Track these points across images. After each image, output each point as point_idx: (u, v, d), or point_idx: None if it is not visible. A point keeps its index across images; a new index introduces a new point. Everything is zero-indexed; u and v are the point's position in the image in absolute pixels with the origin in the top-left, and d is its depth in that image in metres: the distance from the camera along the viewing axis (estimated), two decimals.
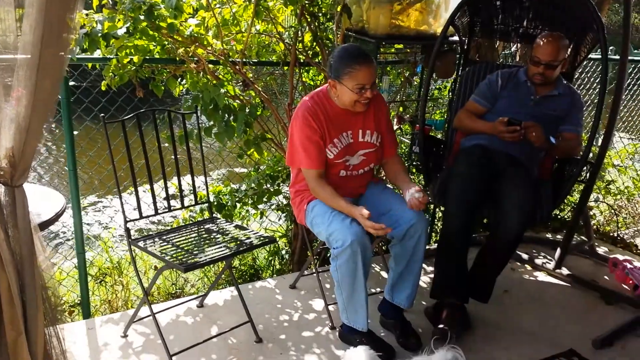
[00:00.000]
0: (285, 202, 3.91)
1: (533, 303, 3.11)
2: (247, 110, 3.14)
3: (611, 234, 3.97)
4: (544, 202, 2.94)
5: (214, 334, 2.62)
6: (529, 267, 3.54)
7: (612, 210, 4.11)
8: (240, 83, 3.33)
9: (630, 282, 3.22)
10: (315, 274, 2.98)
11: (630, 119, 5.40)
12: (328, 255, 2.79)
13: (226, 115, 3.13)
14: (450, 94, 3.57)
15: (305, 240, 3.26)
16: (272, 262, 3.83)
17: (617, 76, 3.23)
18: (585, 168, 3.06)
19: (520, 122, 2.80)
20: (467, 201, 2.72)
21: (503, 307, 3.01)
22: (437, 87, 4.30)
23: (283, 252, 3.84)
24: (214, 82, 3.07)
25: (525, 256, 3.60)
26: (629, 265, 3.27)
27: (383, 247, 3.38)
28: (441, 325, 2.63)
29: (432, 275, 2.75)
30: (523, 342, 2.72)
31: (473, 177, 2.79)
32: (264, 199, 3.74)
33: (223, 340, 2.63)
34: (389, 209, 2.56)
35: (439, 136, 3.86)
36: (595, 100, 4.22)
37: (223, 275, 3.33)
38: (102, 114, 2.51)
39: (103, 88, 3.09)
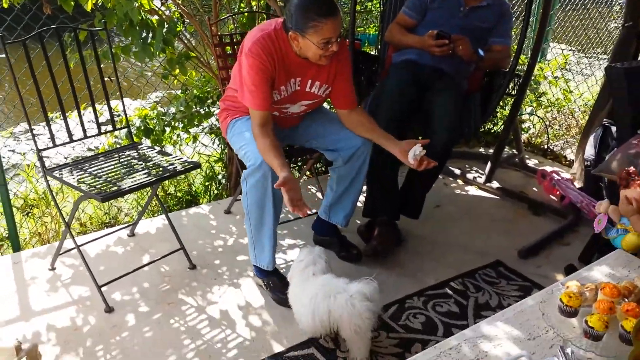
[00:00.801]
0: (218, 125, 3.79)
1: (463, 217, 3.19)
2: (166, 27, 2.94)
3: (542, 146, 4.07)
4: (473, 115, 2.95)
5: (146, 263, 2.56)
6: (460, 182, 3.60)
7: (544, 123, 4.19)
8: None
9: (557, 192, 3.33)
10: None
11: (564, 29, 5.43)
12: None
13: (144, 32, 2.92)
14: (381, 5, 3.45)
15: (235, 161, 3.19)
16: (209, 188, 3.75)
17: None
18: (514, 80, 3.07)
19: (449, 35, 2.76)
20: (396, 118, 2.70)
21: (434, 222, 3.08)
22: None
23: (220, 176, 3.75)
24: None
25: (457, 171, 3.65)
26: (556, 177, 3.36)
27: (318, 169, 3.36)
28: (374, 242, 2.67)
29: (364, 195, 2.75)
30: (452, 254, 2.80)
31: (402, 92, 2.78)
32: (195, 123, 3.61)
33: (155, 268, 2.58)
34: (330, 131, 2.50)
35: (373, 52, 3.77)
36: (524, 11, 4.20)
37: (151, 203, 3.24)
38: (2, 34, 2.28)
39: (5, 5, 2.81)
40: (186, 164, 2.48)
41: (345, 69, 2.39)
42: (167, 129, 3.58)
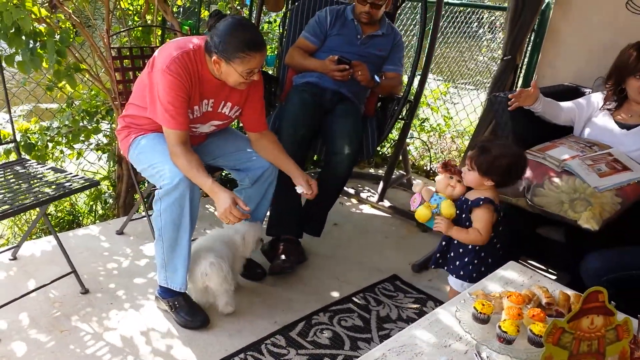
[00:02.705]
0: (106, 141, 3.60)
1: (360, 234, 3.30)
2: (58, 37, 2.76)
3: (424, 168, 4.34)
4: (371, 137, 3.10)
5: (33, 288, 2.35)
6: (355, 201, 3.73)
7: (426, 146, 4.48)
8: (47, 4, 2.90)
9: None
10: (145, 218, 2.82)
11: (439, 61, 5.87)
12: None
13: (31, 41, 2.72)
14: (280, 28, 3.51)
15: (133, 181, 3.05)
16: (94, 208, 3.54)
17: (433, 17, 3.42)
18: (406, 106, 3.28)
19: (350, 61, 2.89)
20: (299, 139, 2.77)
21: (333, 240, 3.15)
22: (268, 20, 4.21)
23: (106, 195, 3.55)
24: (15, 1, 2.63)
25: (351, 191, 3.79)
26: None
27: None
28: (279, 260, 2.67)
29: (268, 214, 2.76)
30: (352, 270, 2.89)
31: (305, 115, 2.85)
32: (81, 138, 3.40)
33: (44, 294, 2.38)
34: (237, 149, 2.49)
35: (270, 72, 3.82)
36: (413, 42, 4.51)
37: (37, 224, 2.99)
38: None
39: None
40: (83, 181, 2.32)
41: (258, 91, 2.41)
42: (50, 145, 3.33)
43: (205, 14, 3.48)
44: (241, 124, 2.59)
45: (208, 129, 2.41)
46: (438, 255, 2.22)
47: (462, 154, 4.35)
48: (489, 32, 6.13)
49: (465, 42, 5.99)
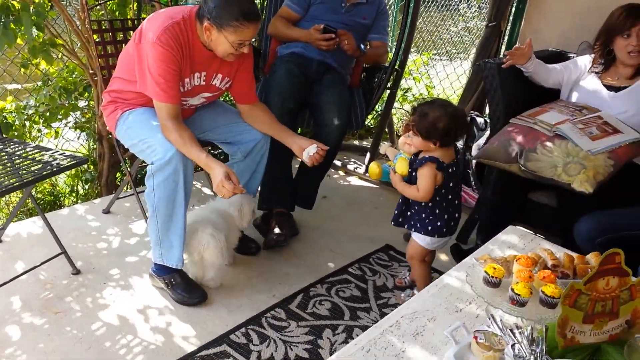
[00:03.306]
0: (84, 119, 3.49)
1: (349, 206, 3.29)
2: (33, 10, 2.64)
3: None
4: (359, 108, 3.07)
5: (22, 271, 2.28)
6: (342, 173, 3.71)
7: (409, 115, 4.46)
8: None
9: None
10: (133, 195, 2.76)
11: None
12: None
13: (3, 16, 2.59)
14: None
15: (117, 159, 2.97)
16: (75, 188, 3.44)
17: None
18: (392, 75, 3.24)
19: (336, 29, 2.83)
20: (287, 112, 2.71)
21: (324, 213, 3.13)
22: None
23: (87, 175, 3.46)
24: None
25: (338, 163, 3.76)
26: None
27: None
28: (273, 234, 2.65)
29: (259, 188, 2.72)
30: (345, 242, 2.88)
31: (292, 86, 2.79)
32: (59, 116, 3.29)
33: (33, 276, 2.31)
34: (227, 122, 2.43)
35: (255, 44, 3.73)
36: (392, 10, 4.46)
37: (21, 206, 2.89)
38: None
39: None
40: (70, 159, 2.24)
41: (248, 63, 2.35)
42: (27, 124, 3.22)
43: None
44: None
45: (198, 101, 2.35)
46: (397, 213, 2.31)
47: None
48: (465, 0, 6.10)
49: (438, 13, 5.95)
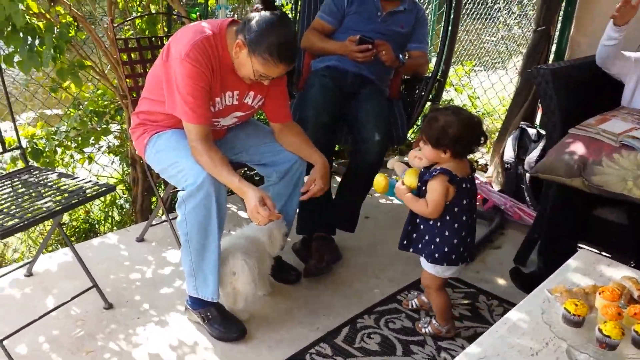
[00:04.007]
0: (117, 142, 3.40)
1: (393, 226, 3.07)
2: (57, 31, 2.56)
3: None
4: (400, 121, 2.88)
5: (52, 307, 2.15)
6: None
7: None
8: None
9: (479, 196, 3.35)
10: (166, 222, 2.63)
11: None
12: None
13: (29, 38, 2.52)
14: (293, 10, 3.29)
15: (150, 184, 2.85)
16: (110, 214, 3.35)
17: None
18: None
19: (373, 40, 2.68)
20: (321, 126, 2.56)
21: (367, 234, 2.95)
22: (281, 3, 3.98)
23: (122, 200, 3.36)
24: None
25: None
26: (476, 181, 3.38)
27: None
28: (313, 260, 2.48)
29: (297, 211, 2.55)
30: (392, 266, 2.68)
31: (328, 101, 2.64)
32: (91, 141, 3.20)
33: (64, 312, 2.19)
34: (261, 142, 2.29)
35: None
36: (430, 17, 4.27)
37: (52, 235, 2.80)
38: None
39: None
40: (97, 187, 2.12)
41: (282, 79, 2.19)
42: (59, 150, 3.14)
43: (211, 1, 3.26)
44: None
45: (230, 121, 2.21)
46: (403, 234, 2.10)
47: (492, 135, 4.12)
48: (505, 7, 5.86)
49: (479, 21, 5.72)
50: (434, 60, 3.21)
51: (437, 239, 1.98)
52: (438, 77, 3.03)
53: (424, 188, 1.95)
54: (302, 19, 3.13)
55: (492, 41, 5.96)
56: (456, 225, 1.96)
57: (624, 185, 2.11)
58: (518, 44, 5.76)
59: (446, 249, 1.97)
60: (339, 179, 2.73)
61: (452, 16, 2.91)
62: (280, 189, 2.32)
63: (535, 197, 3.13)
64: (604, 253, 2.78)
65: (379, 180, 2.06)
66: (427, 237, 2.00)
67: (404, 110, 2.99)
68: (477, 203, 3.32)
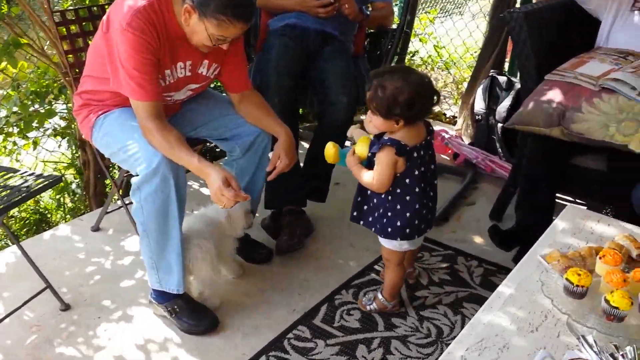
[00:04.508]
0: (64, 123, 3.14)
1: None
2: None
3: None
4: (366, 79, 2.69)
5: (3, 315, 1.96)
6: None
7: None
8: None
9: (450, 151, 3.23)
10: (123, 207, 2.43)
11: None
12: None
13: None
14: None
15: (101, 166, 2.64)
16: (62, 201, 3.11)
17: None
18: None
19: None
20: (286, 92, 2.39)
21: (338, 202, 2.77)
22: None
23: (74, 185, 3.13)
24: None
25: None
26: (446, 135, 3.26)
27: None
28: (285, 236, 2.33)
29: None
30: (366, 234, 2.50)
31: (289, 63, 2.45)
32: (34, 125, 2.94)
33: (17, 319, 1.99)
34: (221, 115, 2.09)
35: None
36: None
37: None
38: None
39: None
40: (42, 179, 1.91)
41: (238, 44, 1.98)
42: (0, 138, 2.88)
43: None
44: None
45: (184, 94, 2.00)
46: (353, 205, 1.94)
47: (459, 85, 3.98)
48: None
49: None
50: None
51: (389, 213, 1.81)
52: (405, 29, 2.85)
53: (374, 159, 1.78)
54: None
55: None
56: (408, 197, 1.79)
57: (606, 132, 1.99)
58: None
59: (399, 223, 1.81)
60: (306, 145, 2.55)
61: None
62: (244, 164, 2.14)
63: (507, 148, 3.02)
64: (578, 201, 2.75)
65: (329, 149, 1.89)
66: (380, 211, 1.84)
67: (370, 66, 2.81)
68: (447, 158, 3.23)
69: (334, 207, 2.70)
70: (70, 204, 3.14)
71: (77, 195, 3.14)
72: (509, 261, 2.35)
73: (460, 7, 5.82)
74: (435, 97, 1.73)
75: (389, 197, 1.80)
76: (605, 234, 1.55)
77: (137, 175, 1.80)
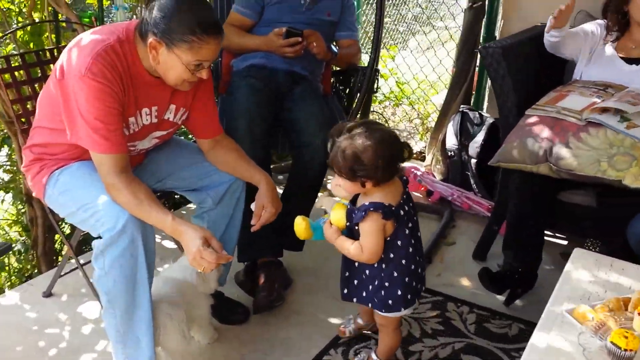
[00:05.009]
0: (7, 177, 2.87)
1: None
2: None
3: None
4: (339, 119, 2.57)
5: None
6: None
7: (383, 118, 4.02)
8: None
9: (423, 188, 3.13)
10: (78, 268, 2.17)
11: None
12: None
13: None
14: None
15: (51, 222, 2.38)
16: (8, 262, 2.82)
17: None
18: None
19: (301, 31, 2.38)
20: (257, 137, 2.22)
21: (316, 249, 2.60)
22: None
23: (19, 245, 2.83)
24: None
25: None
26: (417, 172, 3.16)
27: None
28: (263, 292, 2.13)
29: None
30: None
31: (257, 105, 2.30)
32: None
33: None
34: (190, 163, 1.91)
35: None
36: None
37: None
38: None
39: None
40: None
41: (207, 86, 1.82)
42: None
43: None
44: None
45: (149, 143, 1.82)
46: (341, 281, 1.78)
47: (424, 120, 3.92)
48: None
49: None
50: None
51: (387, 283, 1.65)
52: (374, 67, 2.76)
53: (356, 227, 1.61)
54: (215, 14, 2.74)
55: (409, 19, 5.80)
56: (404, 261, 1.63)
57: (598, 167, 1.92)
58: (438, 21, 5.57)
59: (399, 292, 1.65)
60: (280, 190, 2.39)
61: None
62: (216, 216, 1.96)
63: (484, 184, 2.94)
64: (558, 235, 2.69)
65: (298, 224, 1.70)
66: (375, 283, 1.66)
67: (341, 105, 2.70)
68: (421, 196, 3.13)
69: (311, 256, 2.52)
70: (15, 265, 2.84)
71: (23, 256, 2.85)
72: (500, 305, 2.25)
73: (406, 42, 5.86)
74: (405, 152, 1.60)
75: (383, 265, 1.64)
76: (621, 281, 1.44)
77: (100, 238, 1.59)
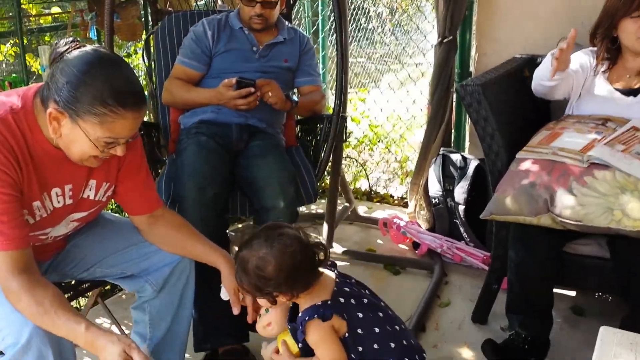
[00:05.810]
0: None
1: None
2: None
3: (363, 190, 3.58)
4: (305, 174, 2.28)
5: None
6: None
7: (358, 164, 3.74)
8: None
9: (408, 240, 2.83)
10: None
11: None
12: None
13: None
14: (144, 60, 2.63)
15: None
16: None
17: (335, 12, 2.64)
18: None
19: (254, 81, 2.13)
20: (209, 203, 1.93)
21: None
22: (125, 53, 3.29)
23: None
24: None
25: None
26: (401, 223, 2.86)
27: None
28: None
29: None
30: None
31: (210, 166, 2.01)
32: None
33: None
34: (124, 245, 1.59)
35: (145, 118, 2.90)
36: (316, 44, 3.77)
37: None
38: None
39: None
40: None
41: (135, 153, 1.51)
42: None
43: (34, 64, 2.46)
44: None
45: (67, 228, 1.49)
46: None
47: (402, 163, 3.66)
48: (379, 25, 5.51)
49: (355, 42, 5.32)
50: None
51: None
52: (341, 114, 2.48)
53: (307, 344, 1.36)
54: (159, 68, 2.47)
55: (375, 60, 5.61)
56: (376, 345, 1.35)
57: (610, 217, 1.64)
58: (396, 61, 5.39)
59: None
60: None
61: (342, 36, 2.37)
62: (161, 306, 1.63)
63: (475, 232, 2.65)
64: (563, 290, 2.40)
65: (291, 345, 1.44)
66: None
67: (306, 157, 2.41)
68: (407, 248, 2.83)
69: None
70: None
71: None
72: None
73: (376, 82, 5.67)
74: (320, 254, 1.34)
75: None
76: None
77: (3, 354, 1.26)
